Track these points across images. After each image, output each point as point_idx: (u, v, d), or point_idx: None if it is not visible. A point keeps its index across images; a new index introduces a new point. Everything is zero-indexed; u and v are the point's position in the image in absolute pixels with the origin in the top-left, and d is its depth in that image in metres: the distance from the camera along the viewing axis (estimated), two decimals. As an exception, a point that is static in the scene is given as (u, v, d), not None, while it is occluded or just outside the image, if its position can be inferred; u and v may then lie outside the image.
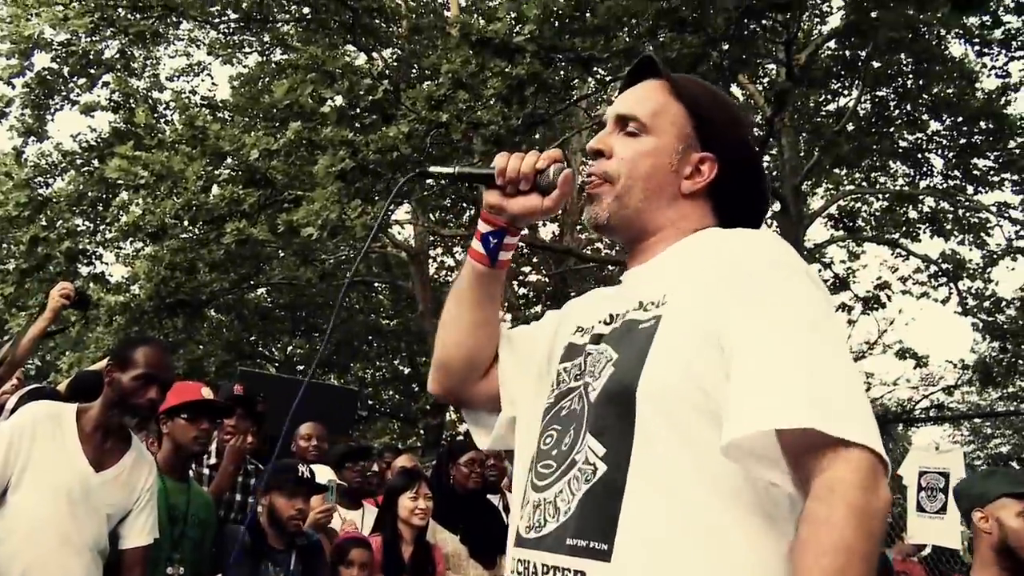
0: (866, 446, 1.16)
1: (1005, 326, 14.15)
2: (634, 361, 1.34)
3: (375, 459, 6.84)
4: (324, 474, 4.65)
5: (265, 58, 17.23)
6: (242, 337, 18.30)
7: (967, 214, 14.81)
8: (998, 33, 12.82)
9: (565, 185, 1.55)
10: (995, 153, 13.77)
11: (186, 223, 9.33)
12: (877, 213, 15.72)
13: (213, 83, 28.35)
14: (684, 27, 7.41)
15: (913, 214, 15.00)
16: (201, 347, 17.92)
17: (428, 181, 10.63)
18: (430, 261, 18.22)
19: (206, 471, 4.67)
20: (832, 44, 12.16)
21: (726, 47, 8.13)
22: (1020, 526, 2.60)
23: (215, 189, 9.90)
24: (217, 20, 15.02)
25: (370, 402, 20.09)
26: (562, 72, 8.40)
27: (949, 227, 14.78)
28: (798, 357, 1.22)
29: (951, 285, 14.92)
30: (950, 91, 13.34)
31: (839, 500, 1.14)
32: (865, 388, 1.29)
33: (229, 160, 10.34)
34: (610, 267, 17.18)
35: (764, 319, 1.26)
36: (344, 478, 5.05)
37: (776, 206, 13.11)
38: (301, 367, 20.19)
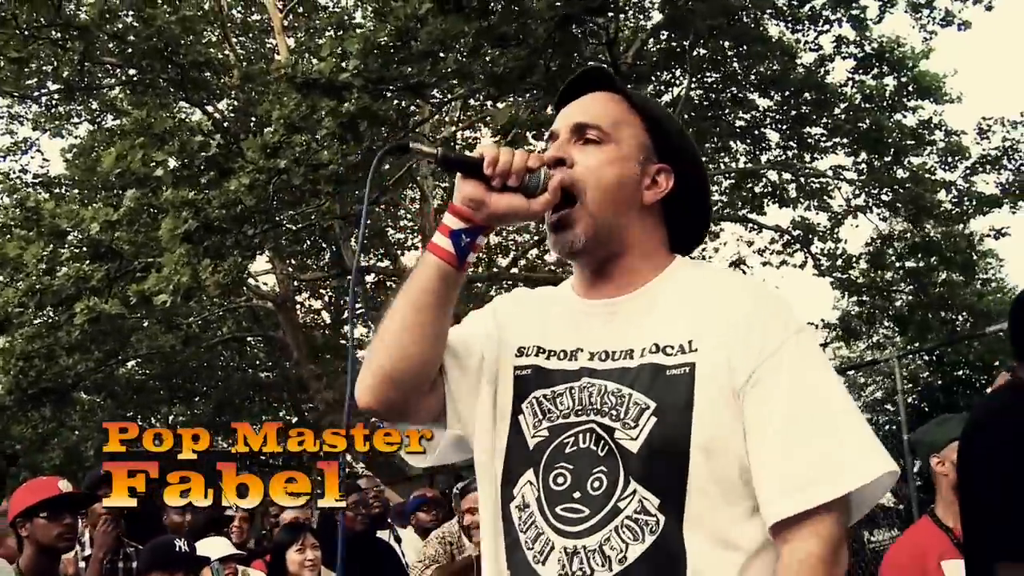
0: (842, 505, 1.33)
1: (858, 280, 14.88)
2: (680, 413, 1.36)
3: (266, 516, 6.68)
4: (223, 548, 4.53)
5: (97, 126, 16.67)
6: (118, 415, 17.59)
7: (808, 181, 15.51)
8: (806, 10, 13.57)
9: (555, 192, 1.45)
10: (823, 121, 14.48)
11: (32, 309, 8.91)
12: (726, 192, 16.31)
13: (44, 159, 27.09)
14: (506, 42, 7.56)
15: (759, 188, 15.61)
16: (76, 432, 17.17)
17: (287, 225, 10.41)
18: (297, 307, 17.96)
19: (82, 564, 4.49)
20: (659, 37, 12.59)
21: (551, 56, 8.32)
22: None
23: (62, 269, 9.51)
24: (37, 93, 14.46)
25: (262, 456, 19.65)
26: (395, 103, 8.42)
27: (794, 195, 15.44)
28: (812, 435, 1.35)
29: (804, 250, 15.58)
30: (774, 68, 13.96)
31: (808, 574, 1.30)
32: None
33: (71, 237, 9.96)
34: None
35: (782, 395, 1.36)
36: None
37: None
38: (185, 435, 19.54)
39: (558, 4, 7.17)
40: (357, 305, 18.15)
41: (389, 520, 5.45)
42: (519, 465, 1.46)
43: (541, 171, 1.44)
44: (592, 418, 1.41)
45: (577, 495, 1.39)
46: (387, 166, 11.98)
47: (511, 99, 8.99)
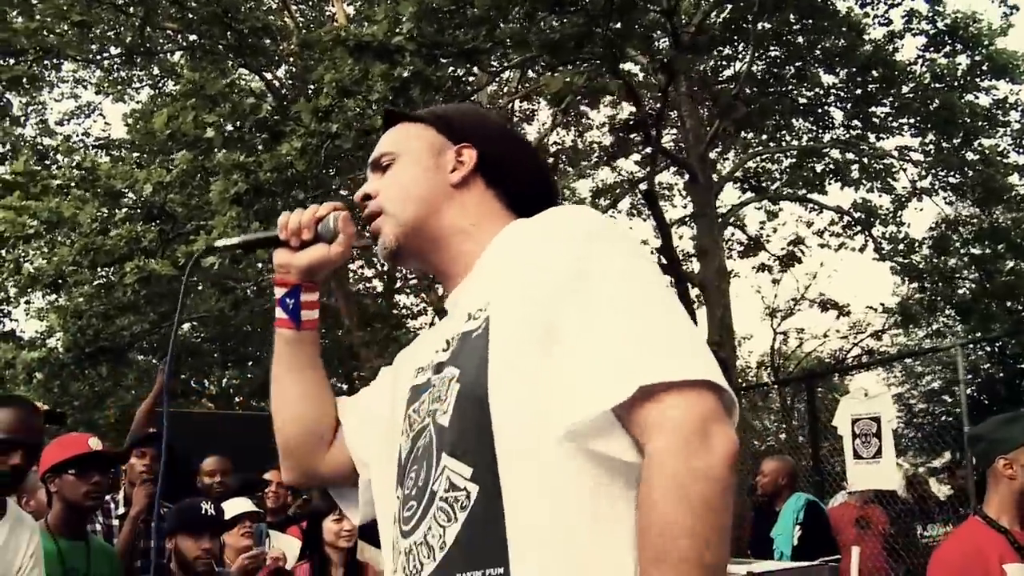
0: (693, 388, 1.11)
1: (920, 266, 14.46)
2: (477, 369, 1.25)
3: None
4: (239, 505, 4.49)
5: (157, 91, 16.84)
6: (172, 376, 17.88)
7: (872, 162, 15.08)
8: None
9: (347, 227, 1.55)
10: (890, 99, 14.04)
11: (85, 268, 9.01)
12: (788, 171, 15.94)
13: (106, 122, 27.27)
14: (563, 8, 7.38)
15: (820, 167, 15.22)
16: (132, 392, 17.49)
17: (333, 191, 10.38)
18: (349, 274, 18.01)
19: (115, 522, 4.49)
20: (722, 9, 12.26)
21: (610, 24, 8.10)
22: None
23: (114, 230, 9.61)
24: (100, 58, 14.61)
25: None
26: (450, 69, 8.29)
27: (856, 176, 15.03)
28: (617, 331, 1.17)
29: (865, 232, 15.19)
30: (841, 43, 13.55)
31: (657, 475, 1.09)
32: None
33: (126, 199, 10.04)
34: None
35: (581, 300, 1.20)
36: None
37: (686, 176, 13.21)
38: (239, 399, 19.84)
39: (617, -32, 6.97)
40: (410, 274, 18.16)
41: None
42: (397, 487, 1.40)
43: (330, 217, 1.55)
44: (429, 411, 1.34)
45: (413, 491, 1.32)
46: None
47: (569, 67, 8.79)
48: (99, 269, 9.31)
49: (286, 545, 4.61)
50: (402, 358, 1.59)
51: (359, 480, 1.58)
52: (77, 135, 16.38)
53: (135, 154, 14.92)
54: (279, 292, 1.60)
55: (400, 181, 1.51)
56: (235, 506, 4.29)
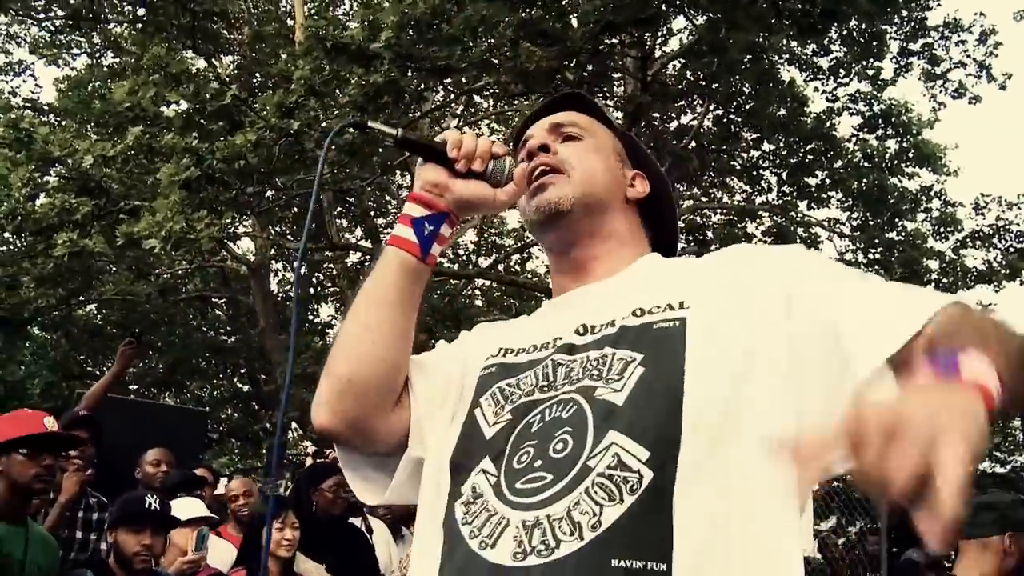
0: None
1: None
2: (670, 362, 1.20)
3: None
4: (195, 508, 4.31)
5: (95, 60, 16.25)
6: (70, 356, 17.13)
7: (797, 229, 15.49)
8: (826, 61, 13.63)
9: (521, 182, 1.40)
10: (824, 172, 14.51)
11: (8, 234, 8.56)
12: (716, 227, 16.24)
13: (36, 84, 25.53)
14: (545, 39, 7.37)
15: (751, 229, 15.57)
16: (23, 368, 16.67)
17: (269, 193, 10.15)
18: (271, 276, 17.65)
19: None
20: (677, 63, 12.50)
21: (582, 61, 8.16)
22: None
23: (43, 197, 9.19)
24: (42, 17, 14.05)
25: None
26: (414, 82, 8.21)
27: (785, 243, 15.39)
28: (881, 289, 1.23)
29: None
30: (782, 113, 13.96)
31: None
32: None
33: (58, 167, 9.61)
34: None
35: (826, 281, 1.24)
36: None
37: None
38: (134, 387, 19.12)
39: (604, 9, 7.01)
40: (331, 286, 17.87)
41: (364, 509, 5.22)
42: (470, 459, 1.29)
43: (506, 160, 1.40)
44: (564, 389, 1.27)
45: (539, 463, 1.20)
46: (380, 149, 11.77)
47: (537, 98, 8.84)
48: (23, 236, 8.87)
49: (223, 549, 4.43)
50: (476, 336, 1.51)
51: (406, 455, 1.38)
52: (4, 93, 15.66)
53: (65, 122, 14.37)
54: (417, 211, 1.39)
55: (591, 158, 1.45)
56: (190, 508, 4.11)
